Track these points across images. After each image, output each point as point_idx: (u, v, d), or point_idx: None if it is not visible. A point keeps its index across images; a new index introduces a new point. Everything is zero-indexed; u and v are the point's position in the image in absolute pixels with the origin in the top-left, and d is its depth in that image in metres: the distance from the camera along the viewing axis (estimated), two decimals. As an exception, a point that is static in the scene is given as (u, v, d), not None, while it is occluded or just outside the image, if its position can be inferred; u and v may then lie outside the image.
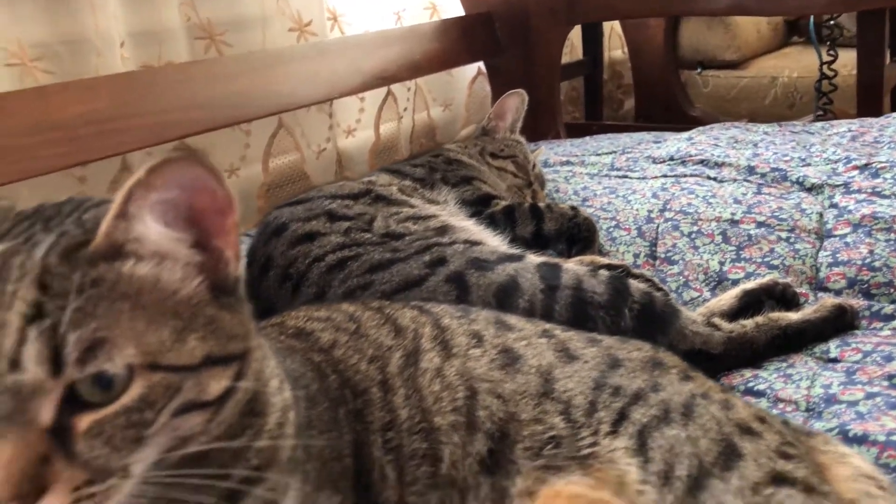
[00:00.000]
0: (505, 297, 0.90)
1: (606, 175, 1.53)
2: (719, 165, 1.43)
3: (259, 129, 1.79)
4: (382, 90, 2.06)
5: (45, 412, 0.44)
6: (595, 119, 2.61)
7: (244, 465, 0.52)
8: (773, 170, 1.36)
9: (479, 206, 1.22)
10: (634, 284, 0.95)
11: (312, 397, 0.59)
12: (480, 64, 2.29)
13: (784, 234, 1.18)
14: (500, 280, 0.91)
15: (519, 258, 0.96)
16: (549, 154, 1.73)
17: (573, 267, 0.96)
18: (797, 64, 2.67)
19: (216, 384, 0.49)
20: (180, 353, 0.47)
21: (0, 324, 0.44)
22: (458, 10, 2.17)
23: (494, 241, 1.05)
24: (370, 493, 0.60)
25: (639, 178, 1.47)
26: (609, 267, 1.10)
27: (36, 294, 0.44)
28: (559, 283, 0.92)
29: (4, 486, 0.42)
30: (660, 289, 1.09)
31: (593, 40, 2.64)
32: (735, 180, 1.37)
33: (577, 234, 1.22)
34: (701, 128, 1.70)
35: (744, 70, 2.74)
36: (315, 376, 0.63)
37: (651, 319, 0.92)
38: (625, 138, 1.80)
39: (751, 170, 1.39)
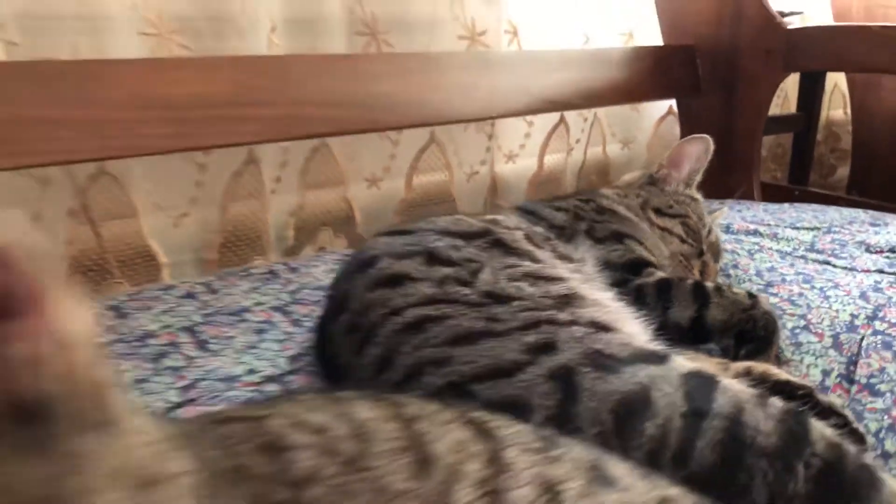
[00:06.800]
0: (627, 416, 0.64)
1: (802, 256, 1.22)
2: (961, 271, 1.09)
3: (408, 140, 1.65)
4: (554, 116, 1.85)
5: None
6: (799, 183, 2.27)
7: None
8: None
9: (626, 273, 0.97)
10: (819, 428, 0.67)
11: None
12: (673, 102, 2.03)
13: None
14: (626, 389, 0.66)
15: (661, 359, 0.70)
16: (733, 217, 1.43)
17: (734, 386, 0.69)
18: None
19: None
20: None
21: None
22: (658, 41, 1.93)
23: (633, 328, 0.79)
24: None
25: (845, 269, 1.15)
26: (787, 387, 0.82)
27: None
28: (710, 409, 0.65)
29: None
30: (855, 431, 0.79)
31: (811, 94, 2.32)
32: (982, 295, 1.02)
33: (750, 330, 0.93)
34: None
35: None
36: None
37: (836, 486, 0.63)
38: (833, 213, 1.47)
39: None
